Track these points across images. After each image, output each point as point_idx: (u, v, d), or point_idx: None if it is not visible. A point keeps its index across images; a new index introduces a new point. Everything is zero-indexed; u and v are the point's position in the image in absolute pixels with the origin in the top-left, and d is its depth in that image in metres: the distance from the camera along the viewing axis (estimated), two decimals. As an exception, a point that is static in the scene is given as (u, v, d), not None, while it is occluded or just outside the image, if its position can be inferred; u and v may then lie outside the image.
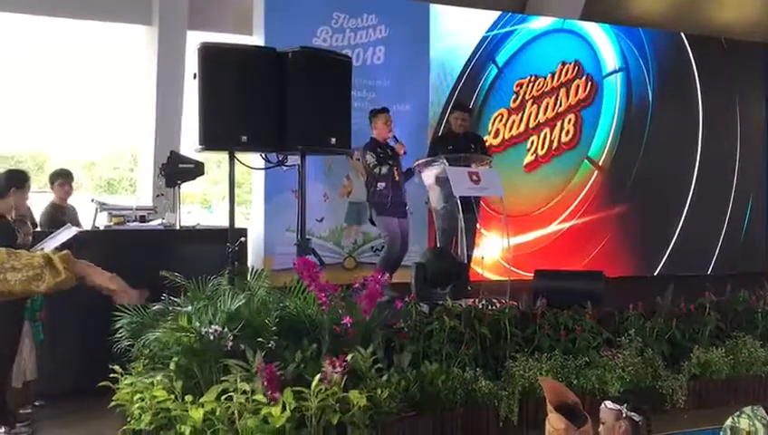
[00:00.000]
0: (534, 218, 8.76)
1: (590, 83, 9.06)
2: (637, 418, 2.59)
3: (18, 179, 4.71)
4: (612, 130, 9.19)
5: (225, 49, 4.70)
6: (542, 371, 4.79)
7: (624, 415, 2.61)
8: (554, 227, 8.88)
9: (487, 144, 8.28)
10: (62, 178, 6.39)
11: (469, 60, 8.41)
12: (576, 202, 9.07)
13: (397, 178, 6.31)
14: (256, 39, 7.50)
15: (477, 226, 6.79)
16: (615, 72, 9.20)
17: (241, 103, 4.53)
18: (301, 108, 4.67)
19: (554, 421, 2.56)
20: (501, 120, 8.68)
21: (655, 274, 9.22)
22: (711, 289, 5.80)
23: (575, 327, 5.13)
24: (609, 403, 2.71)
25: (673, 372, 5.21)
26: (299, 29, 7.20)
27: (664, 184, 9.36)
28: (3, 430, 4.54)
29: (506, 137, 8.69)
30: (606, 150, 9.17)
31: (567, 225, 8.94)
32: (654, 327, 5.37)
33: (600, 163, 9.14)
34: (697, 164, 9.61)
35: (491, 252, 7.88)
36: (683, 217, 9.47)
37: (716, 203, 9.70)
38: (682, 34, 9.63)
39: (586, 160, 9.08)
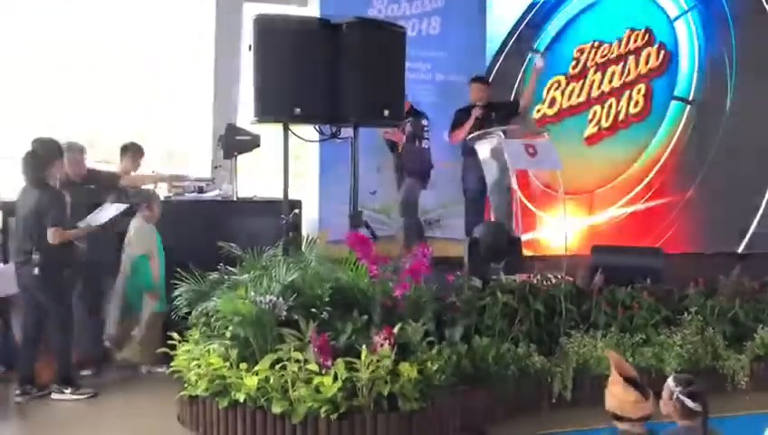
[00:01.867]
0: (596, 198, 8.40)
1: (663, 52, 8.64)
2: (690, 404, 2.52)
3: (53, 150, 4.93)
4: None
5: (280, 20, 4.68)
6: (596, 347, 4.71)
7: (675, 397, 2.55)
8: (616, 211, 8.49)
9: (540, 113, 8.10)
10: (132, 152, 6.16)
11: (516, 25, 8.12)
12: (644, 183, 8.66)
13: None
14: (311, 10, 7.47)
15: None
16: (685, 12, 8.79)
17: (295, 75, 4.53)
18: (354, 80, 4.64)
19: (623, 393, 2.53)
20: (557, 88, 8.32)
21: (738, 250, 8.72)
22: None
23: (633, 304, 5.02)
24: (671, 381, 2.66)
25: (735, 352, 5.05)
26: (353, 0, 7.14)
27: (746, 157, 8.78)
28: (69, 390, 4.74)
29: (564, 106, 8.32)
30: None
31: (630, 208, 8.54)
32: (716, 306, 5.21)
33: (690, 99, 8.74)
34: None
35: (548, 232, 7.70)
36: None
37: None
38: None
39: (677, 102, 8.68)
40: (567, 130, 8.21)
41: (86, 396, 4.77)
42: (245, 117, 5.90)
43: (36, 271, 4.59)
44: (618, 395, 2.60)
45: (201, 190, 6.27)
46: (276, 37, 4.53)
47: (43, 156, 4.78)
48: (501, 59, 8.11)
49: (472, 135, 6.19)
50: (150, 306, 5.37)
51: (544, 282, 5.00)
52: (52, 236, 4.58)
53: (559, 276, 5.13)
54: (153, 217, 5.52)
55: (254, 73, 4.54)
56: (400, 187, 6.81)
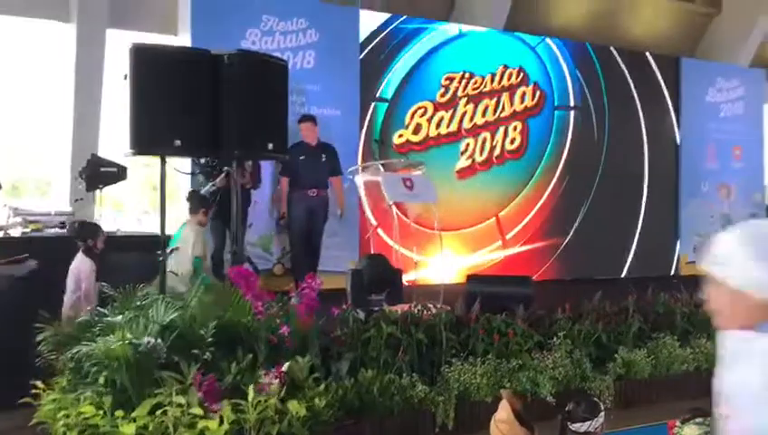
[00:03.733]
0: (471, 237, 8.48)
1: (538, 92, 9.04)
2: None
3: None
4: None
5: (159, 50, 4.55)
6: (476, 374, 4.85)
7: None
8: (489, 255, 8.61)
9: (403, 139, 8.19)
10: None
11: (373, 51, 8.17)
12: (521, 225, 8.89)
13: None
14: (182, 40, 7.30)
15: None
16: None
17: (174, 106, 4.38)
18: (237, 112, 4.56)
19: (509, 431, 2.56)
20: (423, 114, 8.30)
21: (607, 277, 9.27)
22: (633, 292, 6.03)
23: (508, 331, 5.22)
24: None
25: (600, 373, 5.37)
26: (227, 31, 7.07)
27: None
28: None
29: (432, 135, 8.36)
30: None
31: (505, 253, 8.69)
32: (581, 330, 5.53)
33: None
34: (600, 174, 9.80)
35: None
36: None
37: (632, 211, 10.07)
38: (612, 49, 9.91)
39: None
40: (434, 160, 8.12)
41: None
42: (110, 147, 5.65)
43: None
44: (505, 432, 2.63)
45: (63, 226, 5.88)
46: (154, 67, 4.38)
47: None
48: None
49: (352, 168, 6.27)
50: None
51: (425, 311, 5.10)
52: None
53: (438, 306, 5.24)
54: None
55: (130, 104, 4.34)
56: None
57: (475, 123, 8.61)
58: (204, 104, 4.51)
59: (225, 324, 4.19)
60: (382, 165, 5.80)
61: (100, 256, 5.20)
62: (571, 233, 9.26)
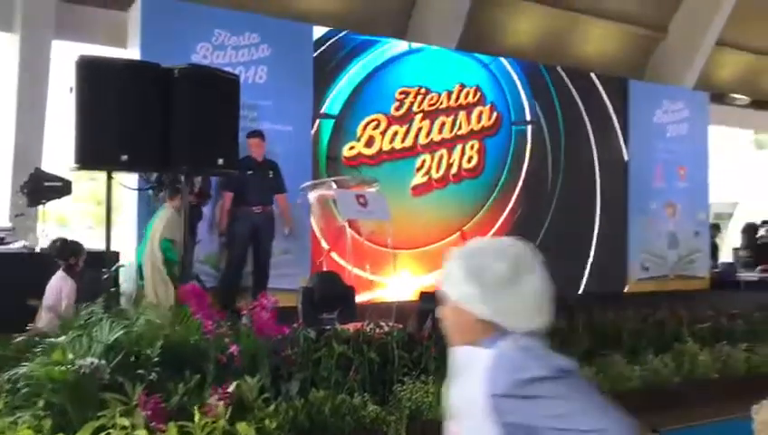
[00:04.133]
0: (425, 256, 8.36)
1: (495, 113, 9.09)
2: None
3: None
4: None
5: (106, 62, 4.45)
6: (428, 393, 4.82)
7: None
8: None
9: (354, 151, 8.09)
10: None
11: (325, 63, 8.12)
12: None
13: None
14: (131, 52, 7.16)
15: None
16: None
17: (122, 121, 4.29)
18: (187, 127, 4.49)
19: None
20: (376, 127, 8.21)
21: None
22: (582, 309, 6.11)
23: (460, 349, 5.20)
24: None
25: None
26: (177, 44, 6.96)
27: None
28: None
29: (385, 148, 8.28)
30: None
31: None
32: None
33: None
34: (557, 192, 9.94)
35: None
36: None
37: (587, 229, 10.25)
38: (560, 69, 10.08)
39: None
40: (388, 175, 8.05)
41: None
42: (55, 161, 5.49)
43: None
44: None
45: (2, 241, 5.68)
46: (101, 80, 4.28)
47: None
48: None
49: (305, 184, 6.22)
50: None
51: (377, 330, 5.05)
52: None
53: (390, 324, 5.21)
54: None
55: (75, 117, 4.23)
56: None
57: (431, 139, 8.58)
58: (153, 119, 4.42)
59: (172, 344, 4.09)
60: (335, 182, 5.76)
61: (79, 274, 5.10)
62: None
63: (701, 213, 11.50)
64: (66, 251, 5.18)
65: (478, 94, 9.02)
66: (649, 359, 5.96)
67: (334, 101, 8.15)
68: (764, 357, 6.54)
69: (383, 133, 8.31)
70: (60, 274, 5.09)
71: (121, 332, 3.94)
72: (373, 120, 8.28)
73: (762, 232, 12.56)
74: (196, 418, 3.54)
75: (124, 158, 4.29)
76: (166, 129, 4.46)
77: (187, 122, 4.49)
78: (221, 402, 3.67)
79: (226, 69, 6.80)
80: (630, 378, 5.79)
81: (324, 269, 6.26)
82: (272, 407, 3.96)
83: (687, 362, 6.12)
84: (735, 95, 14.35)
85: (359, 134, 8.19)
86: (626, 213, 10.62)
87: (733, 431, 2.85)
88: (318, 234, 7.35)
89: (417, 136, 8.51)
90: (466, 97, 8.89)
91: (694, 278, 11.14)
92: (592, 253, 10.19)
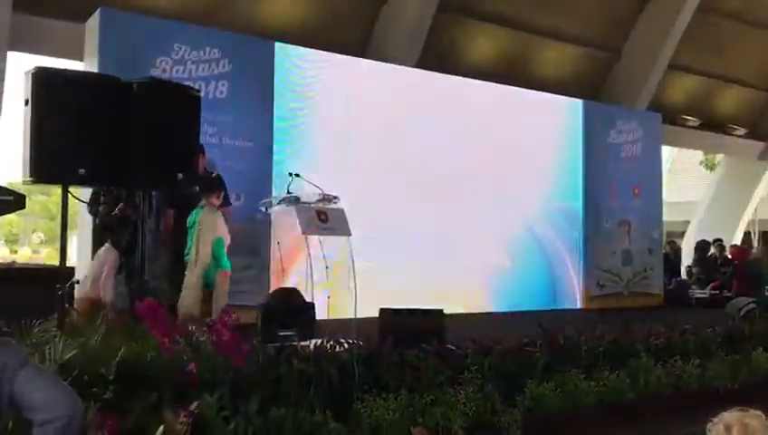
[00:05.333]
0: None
1: None
2: None
3: None
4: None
5: (63, 74, 4.35)
6: (389, 410, 4.81)
7: None
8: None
9: None
10: None
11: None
12: None
13: None
14: (88, 65, 7.06)
15: None
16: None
17: (79, 134, 4.21)
18: (145, 141, 4.42)
19: None
20: None
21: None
22: (541, 326, 6.17)
23: (420, 365, 5.21)
24: None
25: (509, 406, 5.43)
26: (136, 57, 6.88)
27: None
28: None
29: None
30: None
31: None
32: (491, 363, 5.59)
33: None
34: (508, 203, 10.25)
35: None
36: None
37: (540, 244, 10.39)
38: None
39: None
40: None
41: None
42: (11, 175, 5.37)
43: None
44: None
45: (-49, 256, 5.51)
46: (58, 92, 4.19)
47: None
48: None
49: (265, 200, 6.18)
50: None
51: (337, 347, 5.03)
52: None
53: (351, 340, 5.19)
54: None
55: (30, 130, 4.13)
56: None
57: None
58: (111, 132, 4.35)
59: (129, 362, 4.01)
60: (296, 198, 5.74)
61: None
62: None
63: (655, 231, 11.76)
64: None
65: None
66: (605, 375, 6.06)
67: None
68: (716, 372, 6.70)
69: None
70: (107, 245, 5.84)
71: (75, 350, 3.85)
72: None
73: (712, 250, 12.88)
74: (156, 437, 3.47)
75: (81, 171, 4.20)
76: (124, 143, 4.38)
77: (146, 136, 4.43)
78: (183, 420, 3.60)
79: (186, 84, 6.77)
80: (587, 393, 5.87)
81: (284, 286, 6.21)
82: (231, 425, 3.90)
83: (642, 377, 6.23)
84: (687, 117, 14.78)
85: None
86: (584, 230, 10.81)
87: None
88: (278, 250, 7.28)
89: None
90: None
91: (648, 295, 11.37)
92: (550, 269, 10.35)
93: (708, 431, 2.47)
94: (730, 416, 2.40)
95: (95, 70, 6.62)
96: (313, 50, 8.46)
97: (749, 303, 8.50)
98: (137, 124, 4.40)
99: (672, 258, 12.78)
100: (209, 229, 5.97)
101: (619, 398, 6.01)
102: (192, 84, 6.93)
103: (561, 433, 5.58)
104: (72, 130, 4.19)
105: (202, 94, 7.21)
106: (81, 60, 7.36)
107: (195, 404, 3.73)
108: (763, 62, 15.36)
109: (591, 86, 12.78)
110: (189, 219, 6.11)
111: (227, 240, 6.15)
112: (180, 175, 4.52)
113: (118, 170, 4.39)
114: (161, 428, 3.53)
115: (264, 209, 6.28)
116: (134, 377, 3.95)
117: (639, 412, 6.15)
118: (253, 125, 7.66)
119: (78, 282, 5.24)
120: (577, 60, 12.59)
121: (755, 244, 18.26)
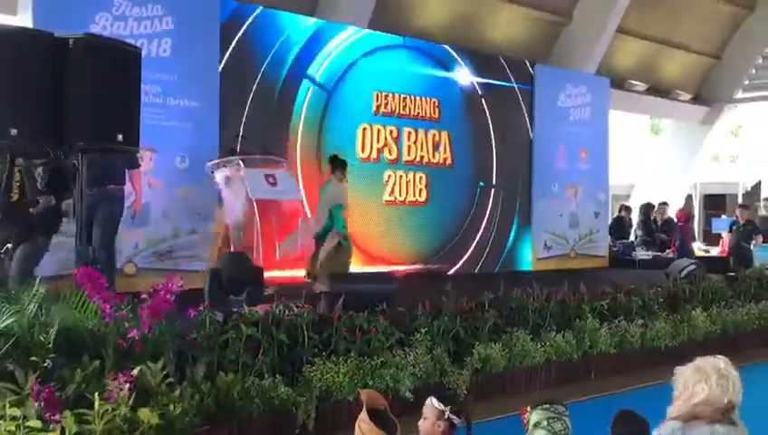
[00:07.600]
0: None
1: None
2: (457, 421, 2.64)
3: None
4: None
5: (-8, 29, 4.11)
6: (338, 373, 4.81)
7: (446, 416, 2.63)
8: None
9: None
10: None
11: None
12: None
13: None
14: (22, 19, 6.72)
15: None
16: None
17: (10, 92, 3.99)
18: (83, 101, 4.21)
19: (369, 431, 2.53)
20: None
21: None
22: (489, 287, 6.23)
23: (370, 328, 5.21)
24: (435, 401, 2.69)
25: (458, 367, 5.50)
26: (74, 13, 6.57)
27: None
28: None
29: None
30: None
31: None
32: (441, 326, 5.63)
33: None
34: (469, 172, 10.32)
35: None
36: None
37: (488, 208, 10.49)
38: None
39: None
40: None
41: None
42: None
43: None
44: (365, 432, 2.60)
45: None
46: (-13, 48, 3.96)
47: None
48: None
49: (212, 161, 6.02)
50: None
51: (287, 311, 4.99)
52: None
53: (300, 305, 5.15)
54: None
55: (-43, 87, 3.90)
56: None
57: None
58: (45, 90, 4.12)
59: (68, 329, 3.88)
60: (242, 160, 5.60)
61: None
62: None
63: (601, 194, 11.96)
64: None
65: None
66: (552, 335, 6.17)
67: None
68: (658, 331, 6.90)
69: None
70: None
71: (12, 318, 3.71)
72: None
73: (654, 214, 13.14)
74: (96, 405, 3.38)
75: (14, 132, 3.98)
76: (60, 102, 4.17)
77: (84, 96, 4.21)
78: (126, 386, 3.51)
79: (127, 41, 6.50)
80: (534, 354, 5.98)
81: (232, 249, 6.10)
82: (177, 392, 3.84)
83: (588, 338, 6.37)
84: (634, 81, 14.98)
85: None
86: (530, 193, 10.92)
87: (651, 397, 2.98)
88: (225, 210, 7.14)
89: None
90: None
91: (594, 257, 11.61)
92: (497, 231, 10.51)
93: (673, 382, 2.52)
94: (697, 360, 2.49)
95: (29, 25, 6.29)
96: (262, 7, 8.22)
97: (690, 264, 8.72)
98: (72, 82, 4.17)
99: (627, 221, 13.04)
100: (333, 197, 7.05)
101: (566, 358, 6.15)
102: (134, 42, 6.67)
103: (508, 392, 5.69)
104: (3, 88, 3.97)
105: (145, 53, 6.96)
106: (15, 14, 7.00)
107: (136, 369, 3.64)
108: (708, 27, 15.63)
109: (542, 50, 12.80)
110: (321, 189, 7.32)
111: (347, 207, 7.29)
112: (120, 136, 4.34)
113: (52, 131, 4.18)
114: (100, 395, 3.44)
115: (210, 172, 6.13)
116: (75, 345, 3.84)
117: (585, 371, 6.32)
118: (198, 84, 7.42)
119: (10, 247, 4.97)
120: (528, 23, 12.58)
121: (696, 206, 18.70)
